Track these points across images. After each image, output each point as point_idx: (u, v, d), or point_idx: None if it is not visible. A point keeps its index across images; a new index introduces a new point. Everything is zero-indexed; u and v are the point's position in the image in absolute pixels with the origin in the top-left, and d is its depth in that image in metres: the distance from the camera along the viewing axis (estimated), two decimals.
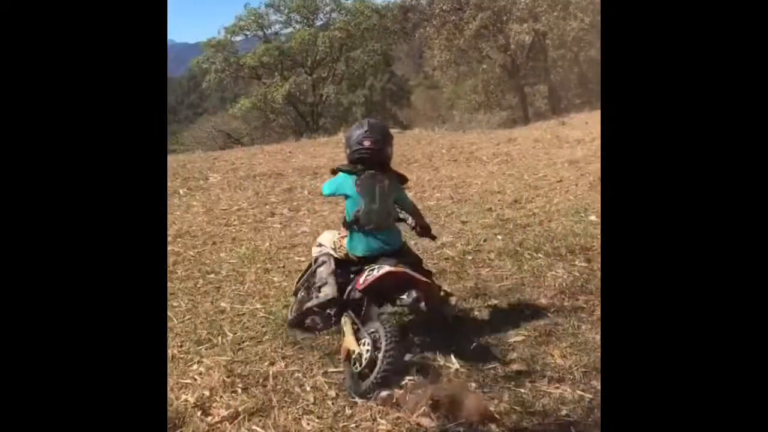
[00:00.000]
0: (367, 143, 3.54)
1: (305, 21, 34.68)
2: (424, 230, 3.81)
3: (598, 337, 3.41)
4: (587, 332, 3.50)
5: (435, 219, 6.35)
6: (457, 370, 3.21)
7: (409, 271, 3.26)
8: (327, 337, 3.61)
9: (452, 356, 3.32)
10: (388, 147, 3.63)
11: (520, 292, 4.16)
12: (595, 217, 5.73)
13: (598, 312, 3.73)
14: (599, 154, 8.54)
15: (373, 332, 3.09)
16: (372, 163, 3.55)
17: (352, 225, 3.56)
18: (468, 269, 4.68)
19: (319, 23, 34.95)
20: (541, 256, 4.80)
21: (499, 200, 7.05)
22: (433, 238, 3.97)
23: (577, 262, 4.60)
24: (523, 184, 7.76)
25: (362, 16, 33.31)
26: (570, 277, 4.32)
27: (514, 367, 3.19)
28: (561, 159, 9.18)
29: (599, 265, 4.47)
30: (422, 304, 3.19)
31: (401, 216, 3.71)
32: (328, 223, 6.71)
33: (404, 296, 3.20)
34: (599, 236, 5.09)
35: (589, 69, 34.51)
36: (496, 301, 4.03)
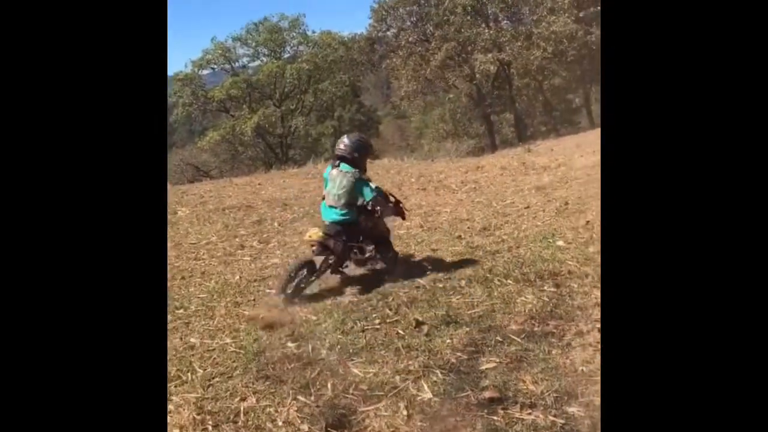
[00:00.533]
0: (341, 146, 5.23)
1: (272, 54, 34.92)
2: (397, 211, 5.51)
3: (569, 361, 3.44)
4: (558, 357, 3.52)
5: (405, 248, 6.37)
6: (430, 399, 3.21)
7: (314, 241, 5.05)
8: (299, 369, 3.59)
9: (425, 385, 3.32)
10: (355, 153, 5.18)
11: (491, 319, 4.18)
12: (562, 243, 5.81)
13: (568, 336, 3.77)
14: (565, 180, 8.69)
15: None
16: (344, 160, 5.17)
17: (323, 199, 5.29)
18: (439, 297, 4.69)
19: (286, 56, 35.22)
20: (510, 282, 4.84)
21: (468, 228, 7.10)
22: (403, 218, 5.73)
23: (545, 288, 4.64)
24: (491, 211, 7.83)
25: (329, 49, 33.68)
26: (539, 302, 4.35)
27: (487, 394, 3.20)
28: (528, 186, 9.30)
29: (568, 290, 4.53)
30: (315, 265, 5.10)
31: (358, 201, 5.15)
32: (299, 255, 6.69)
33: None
34: (567, 261, 5.17)
35: (553, 97, 35.29)
36: (467, 328, 4.04)
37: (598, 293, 4.37)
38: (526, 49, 28.63)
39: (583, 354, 3.50)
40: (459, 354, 3.69)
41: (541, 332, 3.89)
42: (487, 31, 29.55)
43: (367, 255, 5.20)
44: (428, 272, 5.36)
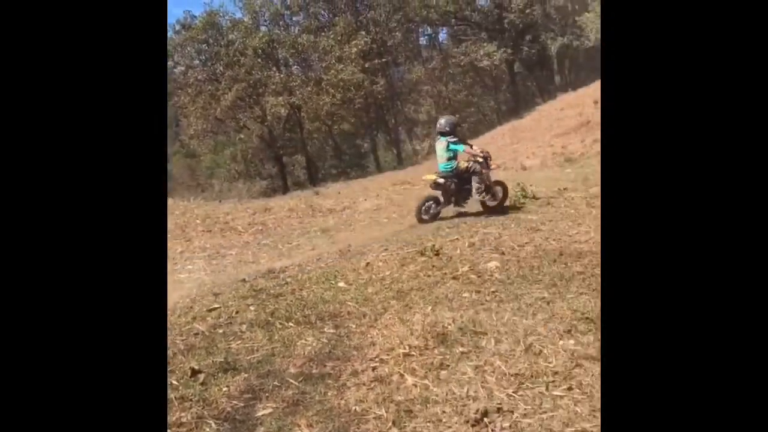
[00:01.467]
0: (438, 126, 8.87)
1: None
2: (484, 160, 8.76)
3: (343, 402, 3.52)
4: (333, 398, 3.58)
5: (187, 293, 6.14)
6: None
7: (431, 181, 8.69)
8: None
9: None
10: (447, 127, 8.64)
11: (270, 363, 4.14)
12: (343, 284, 5.98)
13: (343, 377, 3.85)
14: (349, 222, 9.00)
15: None
16: (441, 134, 8.70)
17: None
18: (218, 343, 4.56)
19: None
20: (291, 324, 4.85)
21: (253, 270, 7.04)
22: (485, 162, 8.78)
23: (325, 329, 4.72)
24: (276, 254, 7.86)
25: None
26: (319, 344, 4.42)
27: None
28: (314, 228, 9.50)
29: (346, 331, 4.66)
30: (439, 198, 8.81)
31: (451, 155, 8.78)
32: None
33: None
34: (347, 302, 5.32)
35: (342, 142, 36.66)
36: (245, 375, 3.97)
37: (373, 332, 4.55)
38: (316, 95, 29.47)
39: (357, 393, 3.60)
40: (235, 402, 3.60)
41: (318, 374, 3.94)
42: (277, 74, 29.97)
43: (476, 193, 8.59)
44: (209, 318, 5.21)
